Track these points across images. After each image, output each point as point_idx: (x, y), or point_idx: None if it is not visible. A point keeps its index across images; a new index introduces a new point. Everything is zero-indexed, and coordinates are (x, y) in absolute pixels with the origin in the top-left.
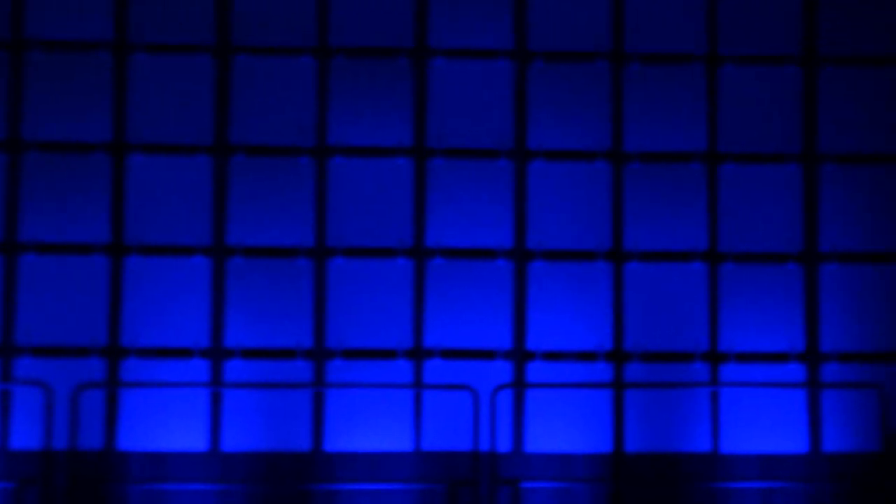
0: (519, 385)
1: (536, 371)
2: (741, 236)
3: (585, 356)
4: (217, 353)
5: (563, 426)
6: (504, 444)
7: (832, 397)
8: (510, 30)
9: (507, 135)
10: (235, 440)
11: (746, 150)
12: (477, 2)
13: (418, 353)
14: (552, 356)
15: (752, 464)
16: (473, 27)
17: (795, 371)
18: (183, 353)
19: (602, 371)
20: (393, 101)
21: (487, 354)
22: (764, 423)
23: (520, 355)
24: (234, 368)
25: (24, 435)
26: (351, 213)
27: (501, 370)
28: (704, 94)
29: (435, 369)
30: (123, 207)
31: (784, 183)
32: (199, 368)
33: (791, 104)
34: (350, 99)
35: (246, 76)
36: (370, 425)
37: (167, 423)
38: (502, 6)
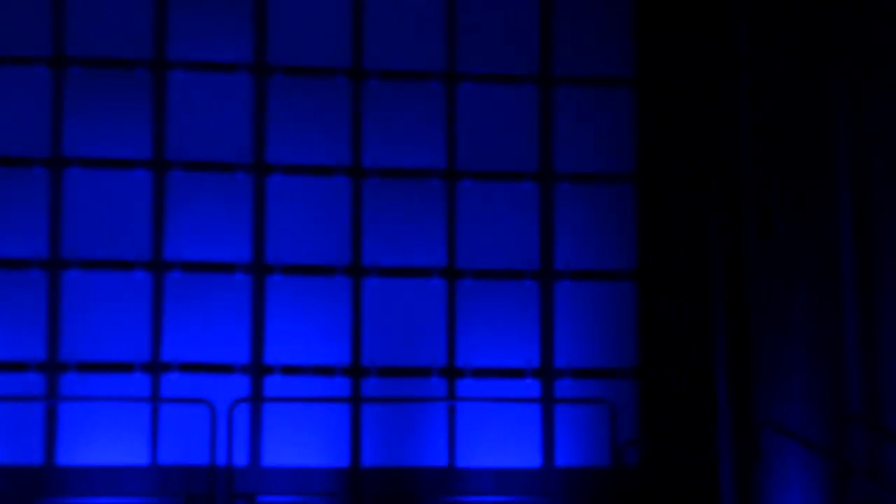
0: (256, 399)
1: (275, 385)
2: (480, 253)
3: (324, 370)
4: None
5: (301, 440)
6: (241, 459)
7: (565, 413)
8: (250, 43)
9: (245, 148)
10: None
11: (485, 167)
12: (217, 15)
13: (155, 367)
14: (291, 370)
15: (487, 478)
16: (213, 40)
17: (531, 386)
18: None
19: (340, 386)
20: (132, 113)
21: (226, 368)
22: (499, 438)
23: (258, 369)
24: None
25: None
26: (88, 225)
27: (239, 384)
28: (443, 112)
29: (173, 383)
30: None
31: (521, 201)
32: None
33: (528, 123)
34: (87, 110)
35: None
36: (106, 439)
37: None
38: (242, 19)
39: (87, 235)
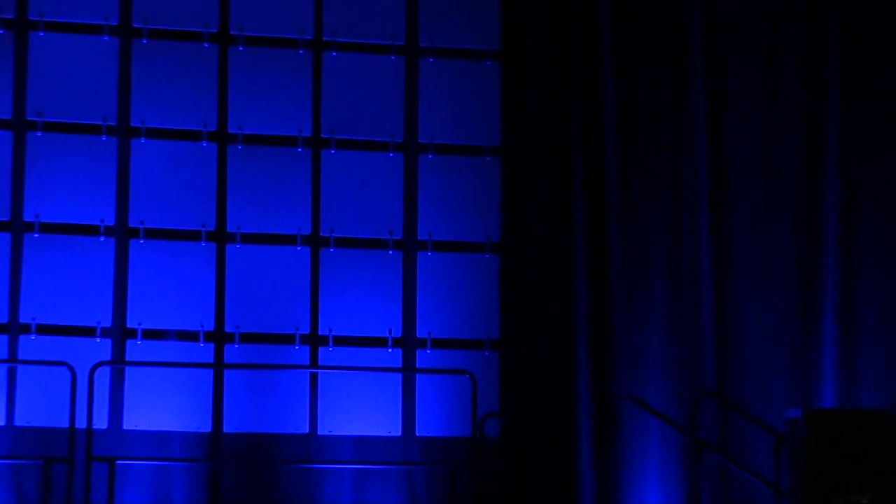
0: (118, 363)
1: (137, 350)
2: (344, 222)
3: (187, 336)
4: None
5: (163, 405)
6: (102, 422)
7: (427, 383)
8: (116, 6)
9: (111, 111)
10: None
11: (351, 136)
12: None
13: (13, 328)
14: (153, 335)
15: (348, 446)
16: (76, 3)
17: (393, 356)
18: None
19: (204, 351)
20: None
21: (87, 332)
22: (361, 407)
23: (120, 332)
24: None
25: None
26: None
27: (101, 348)
28: (310, 79)
29: (32, 345)
30: None
31: (387, 170)
32: None
33: (395, 92)
34: None
35: None
36: None
37: None
38: None
39: None
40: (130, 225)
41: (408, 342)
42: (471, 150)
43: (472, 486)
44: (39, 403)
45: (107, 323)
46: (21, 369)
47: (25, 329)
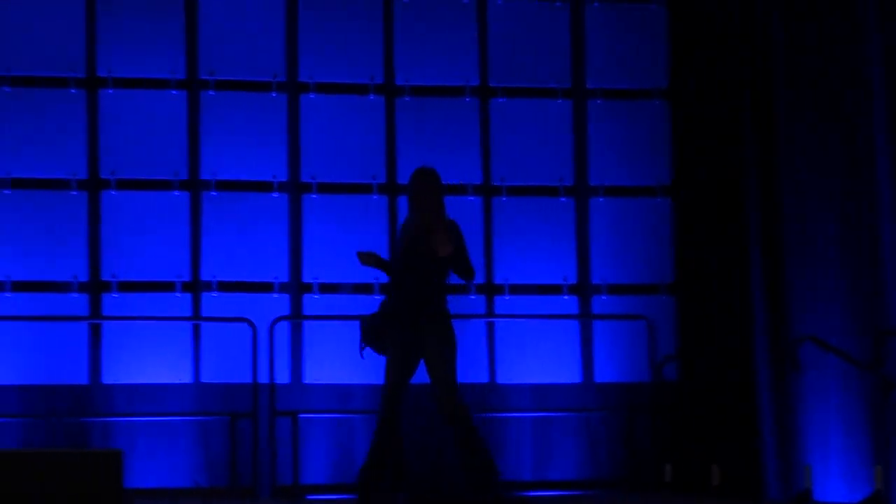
0: (296, 317)
1: (314, 304)
2: (515, 170)
3: (362, 288)
4: None
5: (343, 358)
6: (283, 377)
7: (603, 329)
8: None
9: (280, 67)
10: None
11: (518, 84)
12: None
13: (196, 286)
14: (329, 288)
15: (526, 393)
16: None
17: (568, 303)
18: None
19: (375, 303)
20: (165, 33)
21: (265, 287)
22: (538, 355)
23: (297, 287)
24: None
25: None
26: (124, 145)
27: (280, 303)
28: (476, 29)
29: (213, 301)
30: None
31: (555, 118)
32: None
33: (561, 38)
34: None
35: None
36: (149, 358)
37: None
38: None
39: (124, 156)
40: (302, 180)
41: (583, 289)
42: (639, 94)
43: (652, 431)
44: (223, 360)
45: (284, 278)
46: (204, 327)
47: (207, 287)
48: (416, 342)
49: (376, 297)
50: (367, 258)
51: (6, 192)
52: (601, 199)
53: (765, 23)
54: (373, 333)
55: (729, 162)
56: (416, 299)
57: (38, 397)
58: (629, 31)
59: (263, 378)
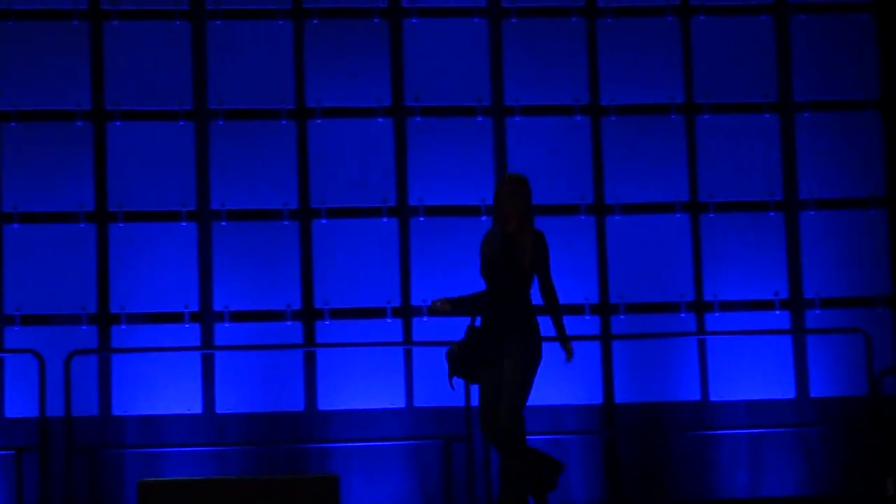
0: None
1: None
2: (721, 186)
3: (575, 309)
4: None
5: (556, 381)
6: None
7: (816, 343)
8: None
9: (485, 91)
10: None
11: (723, 100)
12: None
13: (405, 311)
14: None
15: (740, 410)
16: None
17: (780, 318)
18: None
19: (590, 322)
20: (370, 62)
21: None
22: (751, 371)
23: None
24: None
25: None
26: (333, 175)
27: None
28: (680, 46)
29: (422, 327)
30: None
31: (761, 132)
32: None
33: (766, 54)
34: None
35: None
36: (362, 383)
37: None
38: None
39: (333, 184)
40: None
41: (795, 303)
42: (849, 105)
43: (871, 445)
44: (431, 383)
45: None
46: (415, 351)
47: (419, 311)
48: (501, 353)
49: (585, 317)
50: (438, 310)
51: (222, 223)
52: (812, 213)
53: None
54: (461, 363)
55: None
56: (501, 313)
57: (258, 425)
58: (836, 41)
59: (475, 401)
